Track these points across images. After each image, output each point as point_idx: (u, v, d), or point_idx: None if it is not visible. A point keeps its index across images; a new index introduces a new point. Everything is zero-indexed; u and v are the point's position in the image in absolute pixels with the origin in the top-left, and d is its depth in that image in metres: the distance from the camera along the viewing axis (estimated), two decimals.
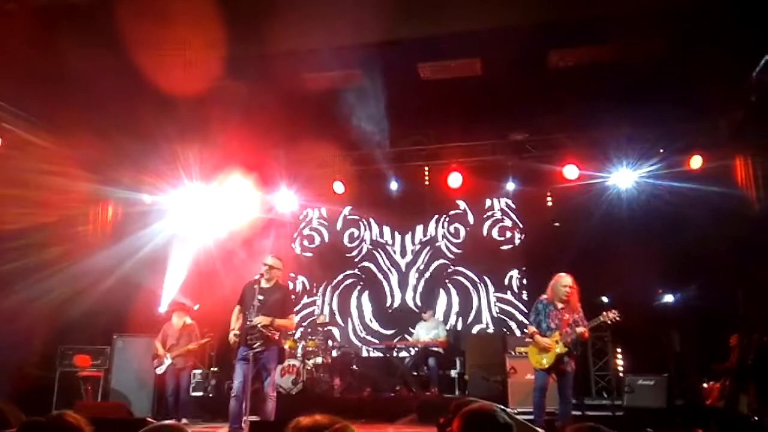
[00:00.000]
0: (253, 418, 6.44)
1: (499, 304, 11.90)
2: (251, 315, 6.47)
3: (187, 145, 10.34)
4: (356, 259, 12.74)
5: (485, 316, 11.93)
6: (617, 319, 6.63)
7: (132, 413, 7.98)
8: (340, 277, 12.68)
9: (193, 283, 11.60)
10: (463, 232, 12.40)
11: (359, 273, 12.65)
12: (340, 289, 12.65)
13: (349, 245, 12.83)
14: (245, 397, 6.33)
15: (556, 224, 11.21)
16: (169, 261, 11.85)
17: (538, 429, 5.19)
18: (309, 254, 13.01)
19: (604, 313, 6.66)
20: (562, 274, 6.94)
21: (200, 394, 10.18)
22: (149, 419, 6.18)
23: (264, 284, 6.66)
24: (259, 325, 6.41)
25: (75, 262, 10.05)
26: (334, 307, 12.57)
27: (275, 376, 6.80)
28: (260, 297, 6.52)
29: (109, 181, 10.88)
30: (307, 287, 12.81)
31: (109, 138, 9.61)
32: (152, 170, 10.95)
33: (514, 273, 11.94)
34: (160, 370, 8.61)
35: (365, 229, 12.82)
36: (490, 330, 11.74)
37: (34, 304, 8.95)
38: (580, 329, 6.64)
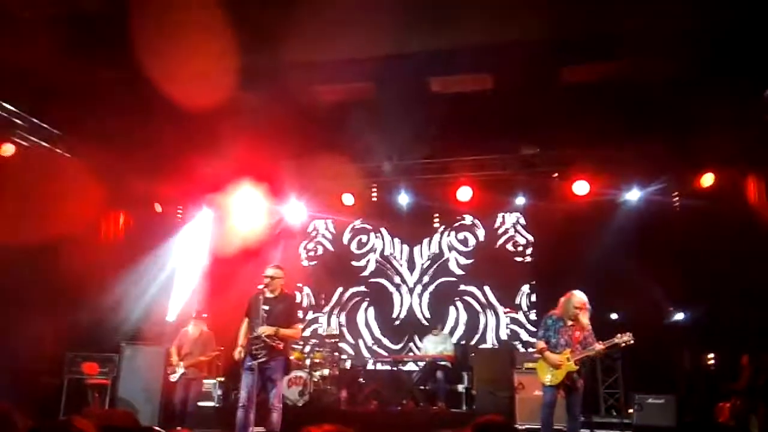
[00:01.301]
0: (259, 429, 6.42)
1: (511, 325, 11.83)
2: (257, 326, 6.46)
3: (198, 155, 10.39)
4: (364, 273, 12.72)
5: (490, 337, 11.89)
6: (631, 342, 6.54)
7: (139, 422, 7.96)
8: (349, 292, 12.67)
9: (202, 293, 11.63)
10: (472, 247, 12.37)
11: (366, 289, 12.62)
12: (349, 304, 12.62)
13: (357, 254, 12.82)
14: (251, 407, 6.31)
15: None
16: (179, 270, 11.90)
17: None
18: (316, 263, 13.01)
19: (619, 335, 6.56)
20: (576, 292, 6.80)
21: (208, 404, 10.16)
22: (156, 428, 6.17)
23: (269, 294, 6.64)
24: (263, 335, 6.40)
25: (85, 271, 10.09)
26: (344, 318, 12.55)
27: (281, 387, 6.78)
28: (265, 307, 6.50)
29: (120, 191, 10.94)
30: (314, 299, 12.80)
31: (122, 148, 9.68)
32: (164, 180, 11.00)
33: (524, 289, 11.88)
34: (173, 378, 8.55)
35: (376, 239, 12.81)
36: (497, 346, 11.68)
37: (43, 312, 8.98)
38: (598, 347, 6.56)
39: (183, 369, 8.46)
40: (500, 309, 11.88)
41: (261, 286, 6.66)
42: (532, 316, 11.63)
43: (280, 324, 6.51)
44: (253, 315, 6.62)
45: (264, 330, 6.40)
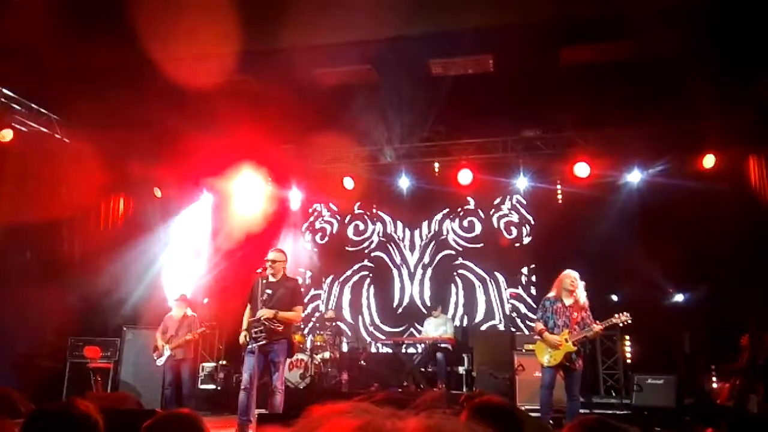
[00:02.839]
0: (261, 410, 6.46)
1: (512, 301, 11.84)
2: (258, 309, 6.49)
3: (198, 138, 10.36)
4: (367, 251, 12.71)
5: (497, 313, 11.89)
6: (629, 321, 6.60)
7: (141, 404, 8.01)
8: (350, 271, 12.68)
9: (204, 276, 11.66)
10: (472, 229, 12.34)
11: (370, 264, 12.62)
12: (350, 283, 12.64)
13: (357, 239, 12.82)
14: (253, 389, 6.35)
15: None
16: (180, 254, 11.91)
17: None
18: (317, 249, 13.01)
19: (616, 315, 6.63)
20: (568, 270, 6.93)
21: (210, 386, 10.22)
22: (158, 410, 6.21)
23: (271, 279, 6.67)
24: (262, 318, 6.42)
25: (86, 255, 10.11)
26: (345, 301, 12.57)
27: (284, 369, 6.82)
28: (268, 291, 6.53)
29: (120, 175, 10.92)
30: (315, 281, 12.82)
31: (121, 132, 9.65)
32: (164, 164, 10.98)
33: (524, 270, 11.89)
34: (160, 362, 8.53)
35: (378, 222, 12.79)
36: (500, 327, 11.70)
37: (45, 296, 9.01)
38: (596, 328, 6.61)
39: (169, 351, 8.43)
40: (504, 289, 11.88)
41: (261, 270, 6.69)
42: (533, 291, 11.62)
43: (282, 307, 6.53)
44: (255, 299, 6.64)
45: (263, 313, 6.42)
